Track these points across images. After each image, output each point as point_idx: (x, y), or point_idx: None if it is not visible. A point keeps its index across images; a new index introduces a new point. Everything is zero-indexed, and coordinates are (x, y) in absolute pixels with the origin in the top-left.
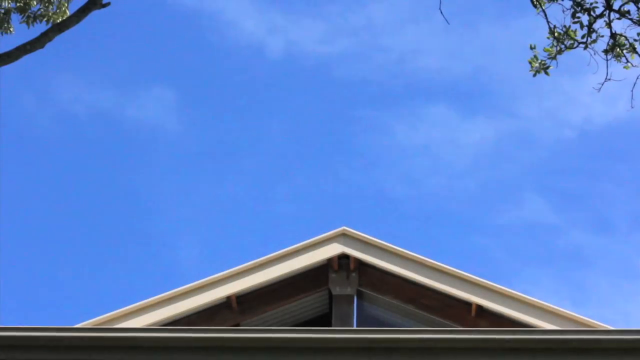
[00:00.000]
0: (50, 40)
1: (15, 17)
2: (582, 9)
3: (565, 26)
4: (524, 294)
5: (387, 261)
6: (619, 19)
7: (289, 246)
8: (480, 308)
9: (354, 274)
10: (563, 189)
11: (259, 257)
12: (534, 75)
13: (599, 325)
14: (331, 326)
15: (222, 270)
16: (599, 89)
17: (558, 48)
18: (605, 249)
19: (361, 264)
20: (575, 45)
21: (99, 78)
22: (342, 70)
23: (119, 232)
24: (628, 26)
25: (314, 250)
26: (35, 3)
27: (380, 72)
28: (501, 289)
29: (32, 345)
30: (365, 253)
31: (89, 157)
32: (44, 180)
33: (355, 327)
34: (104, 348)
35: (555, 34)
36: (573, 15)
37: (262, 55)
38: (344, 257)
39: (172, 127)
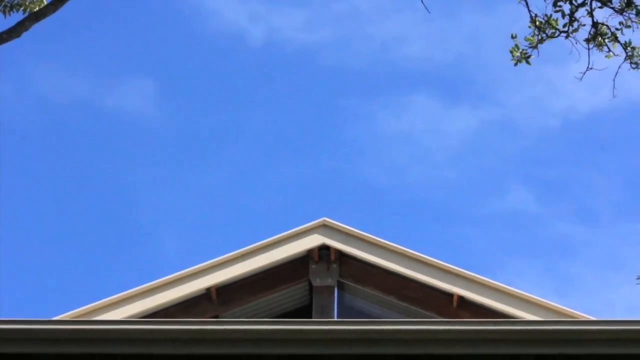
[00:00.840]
0: (27, 29)
1: None
2: None
3: (546, 15)
4: (507, 284)
5: (368, 252)
6: (600, 7)
7: (269, 237)
8: (462, 299)
9: (334, 265)
10: (547, 178)
11: (239, 248)
12: (515, 64)
13: (582, 316)
14: (311, 318)
15: (202, 262)
16: (581, 78)
17: (539, 37)
18: (589, 239)
19: (342, 255)
20: (556, 35)
21: (77, 67)
22: (325, 59)
23: (98, 223)
24: (610, 15)
25: (294, 241)
26: None
27: (362, 61)
28: (483, 279)
29: (9, 338)
30: (346, 244)
31: (67, 147)
32: (21, 169)
33: (335, 319)
34: (82, 341)
35: (537, 23)
36: (555, 4)
37: (243, 44)
38: (324, 248)
39: (152, 117)
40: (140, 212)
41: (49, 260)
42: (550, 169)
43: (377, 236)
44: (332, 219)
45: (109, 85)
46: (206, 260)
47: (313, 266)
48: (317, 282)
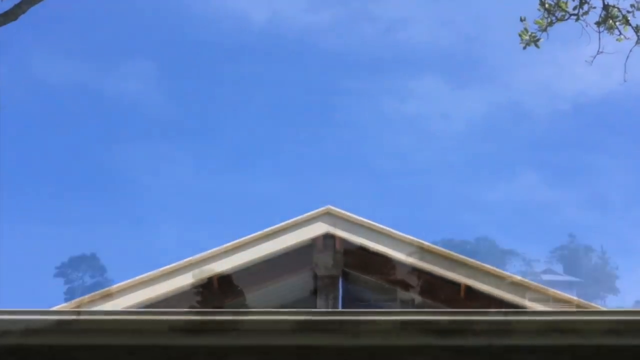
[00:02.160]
0: (23, 12)
1: None
2: None
3: None
4: (516, 272)
5: (373, 241)
6: None
7: (273, 225)
8: (469, 289)
9: (339, 254)
10: (557, 163)
11: (241, 237)
12: (524, 47)
13: (591, 305)
14: (316, 307)
15: (204, 251)
16: (592, 62)
17: (549, 20)
18: (600, 225)
19: (346, 244)
20: (566, 17)
21: (77, 50)
22: (329, 40)
23: (97, 209)
24: None
25: (298, 229)
26: None
27: (368, 42)
28: (491, 269)
29: (5, 330)
30: (351, 232)
31: (66, 129)
32: (19, 151)
33: (340, 309)
34: (81, 332)
35: (546, 6)
36: None
37: (247, 25)
38: (328, 237)
39: (153, 98)
40: (138, 198)
41: (44, 247)
42: (560, 153)
43: (381, 223)
44: (336, 206)
45: (110, 67)
46: (206, 250)
47: (317, 255)
48: (321, 271)
